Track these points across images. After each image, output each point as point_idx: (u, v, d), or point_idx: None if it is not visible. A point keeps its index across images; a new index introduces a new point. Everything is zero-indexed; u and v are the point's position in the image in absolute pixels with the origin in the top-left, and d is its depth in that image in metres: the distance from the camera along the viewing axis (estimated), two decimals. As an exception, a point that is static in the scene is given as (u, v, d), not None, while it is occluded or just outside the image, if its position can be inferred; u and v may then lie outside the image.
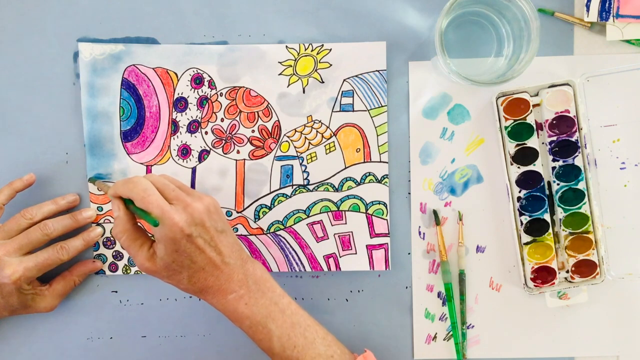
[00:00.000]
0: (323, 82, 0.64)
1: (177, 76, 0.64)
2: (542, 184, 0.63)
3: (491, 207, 0.65)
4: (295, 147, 0.65)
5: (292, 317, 0.57)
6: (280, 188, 0.65)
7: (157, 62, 0.64)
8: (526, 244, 0.63)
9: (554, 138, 0.62)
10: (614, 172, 0.64)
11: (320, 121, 0.64)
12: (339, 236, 0.65)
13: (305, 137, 0.65)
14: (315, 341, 0.57)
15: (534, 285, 0.63)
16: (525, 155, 0.62)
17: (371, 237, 0.65)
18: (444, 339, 0.65)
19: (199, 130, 0.65)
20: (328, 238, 0.65)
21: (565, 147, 0.62)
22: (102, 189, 0.63)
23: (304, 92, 0.64)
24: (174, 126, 0.65)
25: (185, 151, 0.65)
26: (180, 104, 0.64)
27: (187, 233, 0.53)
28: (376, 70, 0.64)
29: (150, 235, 0.57)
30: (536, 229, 0.63)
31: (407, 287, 0.65)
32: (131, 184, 0.54)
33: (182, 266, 0.54)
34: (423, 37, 0.64)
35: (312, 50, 0.64)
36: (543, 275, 0.63)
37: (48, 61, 0.64)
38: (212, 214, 0.55)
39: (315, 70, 0.64)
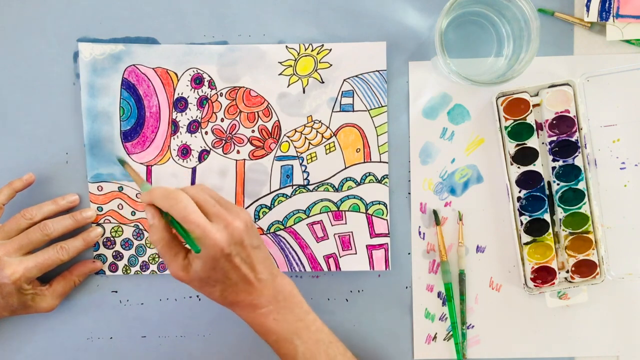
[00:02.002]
0: (323, 82, 0.64)
1: (177, 76, 0.64)
2: (542, 184, 0.63)
3: (491, 207, 0.65)
4: (295, 147, 0.65)
5: (316, 334, 0.57)
6: (280, 188, 0.65)
7: (157, 62, 0.64)
8: (526, 244, 0.63)
9: (554, 138, 0.62)
10: (614, 172, 0.64)
11: (320, 121, 0.64)
12: (339, 236, 0.65)
13: (305, 137, 0.65)
14: (337, 358, 0.58)
15: (534, 285, 0.63)
16: (525, 155, 0.62)
17: (371, 237, 0.65)
18: (444, 339, 0.65)
19: (199, 130, 0.65)
20: (328, 238, 0.65)
21: (565, 147, 0.62)
22: (132, 175, 0.59)
23: (304, 92, 0.64)
24: (174, 126, 0.65)
25: (185, 151, 0.65)
26: (180, 104, 0.64)
27: (226, 252, 0.53)
28: (376, 70, 0.64)
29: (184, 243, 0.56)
30: (536, 229, 0.63)
31: (407, 287, 0.65)
32: (172, 200, 0.53)
33: (216, 281, 0.54)
34: (423, 37, 0.64)
35: (312, 50, 0.64)
36: (543, 275, 0.63)
37: (48, 61, 0.64)
38: (250, 230, 0.55)
39: (315, 70, 0.64)
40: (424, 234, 0.65)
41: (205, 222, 0.52)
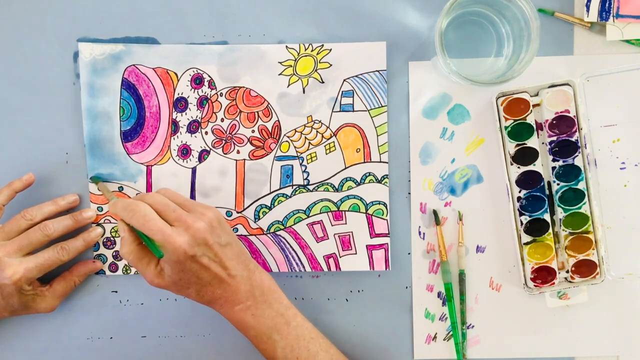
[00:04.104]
0: (323, 82, 0.64)
1: (177, 76, 0.64)
2: (542, 184, 0.63)
3: (491, 207, 0.65)
4: (295, 147, 0.65)
5: (297, 329, 0.58)
6: (280, 188, 0.65)
7: (157, 62, 0.64)
8: (526, 244, 0.63)
9: (554, 138, 0.62)
10: (614, 172, 0.64)
11: (320, 121, 0.64)
12: (339, 236, 0.65)
13: (305, 137, 0.65)
14: (319, 354, 0.58)
15: (534, 285, 0.63)
16: (525, 155, 0.62)
17: (371, 237, 0.65)
18: (444, 339, 0.65)
19: (199, 130, 0.65)
20: (328, 238, 0.65)
21: (565, 147, 0.62)
22: (103, 191, 0.63)
23: (304, 92, 0.64)
24: (174, 126, 0.65)
25: (185, 151, 0.65)
26: (180, 104, 0.64)
27: (190, 254, 0.53)
28: (376, 70, 0.64)
29: None
30: (536, 229, 0.63)
31: (407, 287, 0.65)
32: (131, 211, 0.54)
33: (189, 282, 0.55)
34: (423, 37, 0.64)
35: (312, 50, 0.64)
36: (543, 275, 0.63)
37: (48, 61, 0.64)
38: (215, 229, 0.55)
39: (315, 70, 0.64)
40: (424, 234, 0.65)
41: (164, 227, 0.53)
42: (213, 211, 0.56)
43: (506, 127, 0.62)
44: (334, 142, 0.65)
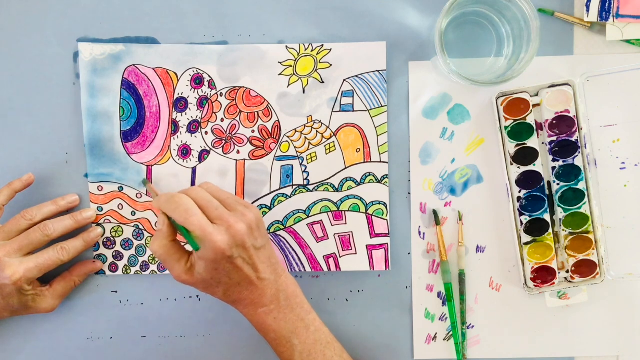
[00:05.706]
0: (323, 82, 0.64)
1: (177, 76, 0.64)
2: (542, 184, 0.63)
3: (491, 207, 0.65)
4: (295, 147, 0.65)
5: (315, 334, 0.58)
6: (280, 188, 0.65)
7: (157, 62, 0.64)
8: (526, 244, 0.63)
9: (554, 138, 0.62)
10: (614, 172, 0.64)
11: (320, 121, 0.64)
12: (339, 236, 0.65)
13: (305, 137, 0.65)
14: (333, 359, 0.58)
15: (534, 285, 0.63)
16: (525, 155, 0.62)
17: (371, 237, 0.65)
18: (444, 339, 0.65)
19: (199, 131, 0.65)
20: (328, 238, 0.65)
21: (565, 147, 0.62)
22: (149, 190, 0.63)
23: (304, 92, 0.64)
24: (174, 126, 0.65)
25: (185, 151, 0.65)
26: (180, 104, 0.64)
27: (228, 255, 0.53)
28: (376, 70, 0.64)
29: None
30: (536, 229, 0.63)
31: (407, 287, 0.65)
32: (174, 204, 0.54)
33: (219, 282, 0.55)
34: (423, 37, 0.64)
35: (312, 51, 0.64)
36: (543, 275, 0.63)
37: (48, 61, 0.64)
38: (254, 232, 0.55)
39: (315, 71, 0.64)
40: (424, 234, 0.65)
41: (206, 224, 0.53)
42: (253, 211, 0.56)
43: (506, 127, 0.62)
44: (334, 142, 0.65)
